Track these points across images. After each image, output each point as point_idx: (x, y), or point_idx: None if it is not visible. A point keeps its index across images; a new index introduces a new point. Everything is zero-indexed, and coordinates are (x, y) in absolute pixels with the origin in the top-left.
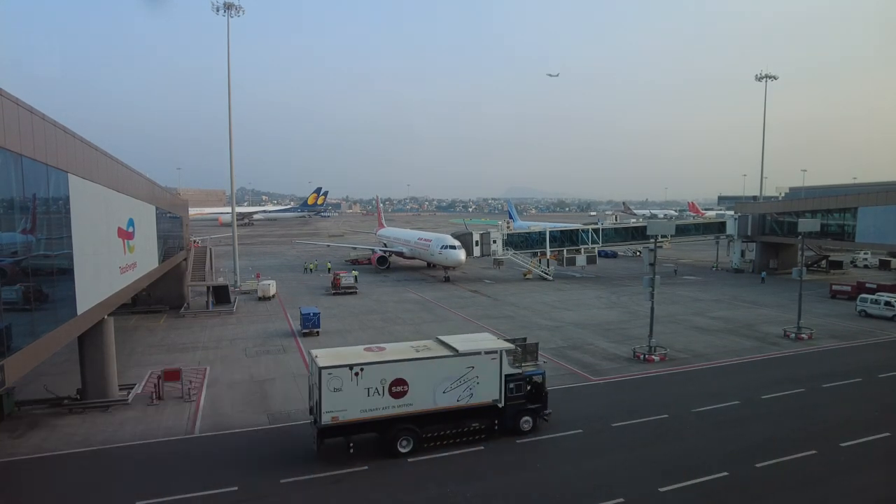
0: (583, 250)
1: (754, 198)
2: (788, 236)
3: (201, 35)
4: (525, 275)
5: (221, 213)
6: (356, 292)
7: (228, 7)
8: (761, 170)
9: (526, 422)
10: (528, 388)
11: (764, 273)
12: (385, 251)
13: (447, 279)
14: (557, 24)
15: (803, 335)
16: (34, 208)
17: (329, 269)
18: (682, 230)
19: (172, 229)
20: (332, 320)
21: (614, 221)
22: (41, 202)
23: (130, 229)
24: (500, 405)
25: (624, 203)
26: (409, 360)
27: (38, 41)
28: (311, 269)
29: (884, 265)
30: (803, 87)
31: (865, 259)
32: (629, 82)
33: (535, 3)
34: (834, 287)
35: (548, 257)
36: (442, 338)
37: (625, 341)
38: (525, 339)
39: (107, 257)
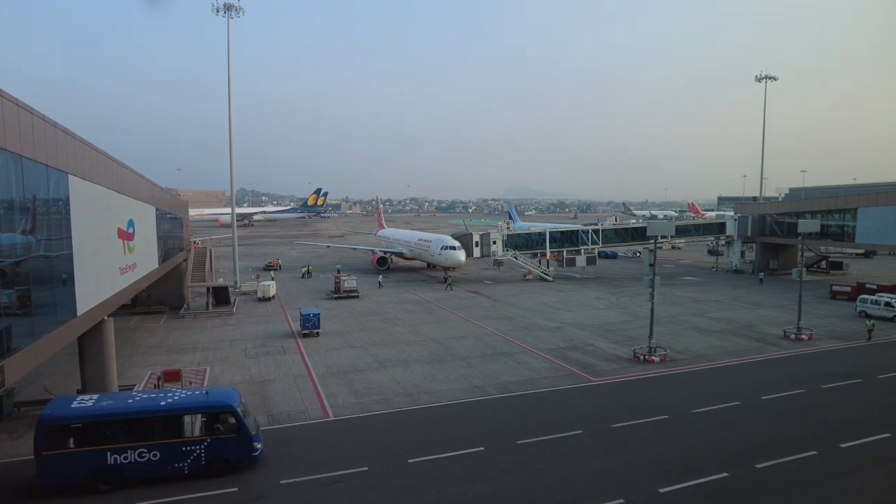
0: (583, 251)
1: (754, 198)
2: (788, 237)
3: (201, 36)
4: (525, 276)
5: (221, 214)
6: (358, 296)
7: (228, 8)
8: (761, 171)
9: None
10: None
11: (762, 274)
12: (385, 252)
13: (447, 280)
14: (557, 24)
15: (803, 336)
16: (34, 209)
17: (339, 268)
18: (682, 231)
19: (172, 230)
20: (332, 321)
21: (614, 222)
22: (41, 203)
23: (130, 230)
24: None
25: (624, 204)
26: None
27: (38, 42)
28: (308, 273)
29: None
30: (804, 87)
31: None
32: (630, 82)
33: (535, 2)
34: (834, 288)
35: (548, 258)
36: None
37: (625, 342)
38: None
39: (107, 258)
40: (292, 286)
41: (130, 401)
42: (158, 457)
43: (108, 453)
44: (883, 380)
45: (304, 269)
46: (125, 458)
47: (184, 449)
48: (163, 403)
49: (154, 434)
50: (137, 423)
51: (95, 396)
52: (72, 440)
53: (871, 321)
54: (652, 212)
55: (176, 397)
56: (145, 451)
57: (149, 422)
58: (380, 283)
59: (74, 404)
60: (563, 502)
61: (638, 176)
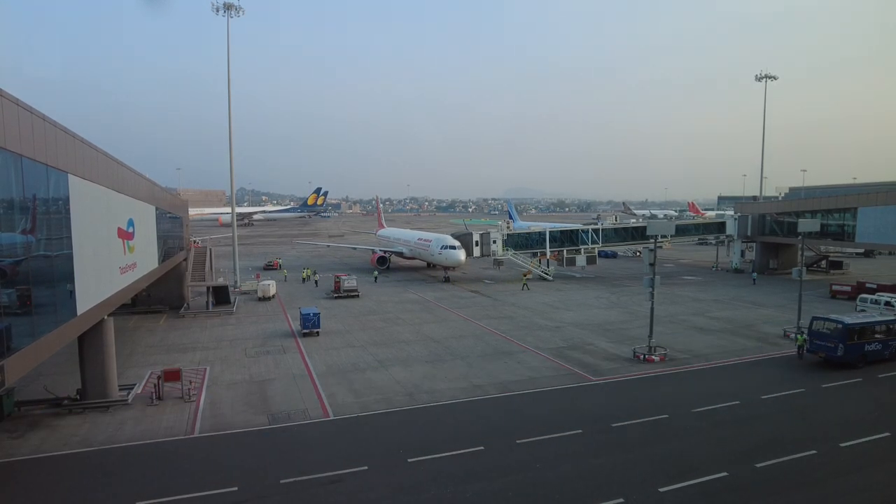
0: (583, 250)
1: (754, 198)
2: (788, 236)
3: (202, 35)
4: (525, 275)
5: (221, 214)
6: (358, 295)
7: (228, 8)
8: (761, 170)
9: None
10: None
11: (755, 274)
12: (385, 251)
13: (447, 279)
14: (557, 24)
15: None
16: (34, 209)
17: (377, 276)
18: (682, 230)
19: (172, 230)
20: (332, 321)
21: (614, 221)
22: (41, 202)
23: (130, 230)
24: None
25: (624, 203)
26: None
27: (38, 42)
28: (307, 278)
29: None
30: (804, 87)
31: None
32: (630, 82)
33: (534, 2)
34: (834, 287)
35: (548, 257)
36: None
37: (625, 341)
38: None
39: (107, 258)
40: (292, 286)
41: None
42: (879, 347)
43: (864, 345)
44: (883, 379)
45: (305, 273)
46: (869, 347)
47: (889, 342)
48: (880, 318)
49: (881, 335)
50: (875, 328)
51: (851, 315)
52: (855, 336)
53: (803, 336)
54: (652, 211)
55: (887, 314)
56: (876, 343)
57: (878, 328)
58: (375, 278)
59: (849, 320)
60: (563, 502)
61: (638, 176)
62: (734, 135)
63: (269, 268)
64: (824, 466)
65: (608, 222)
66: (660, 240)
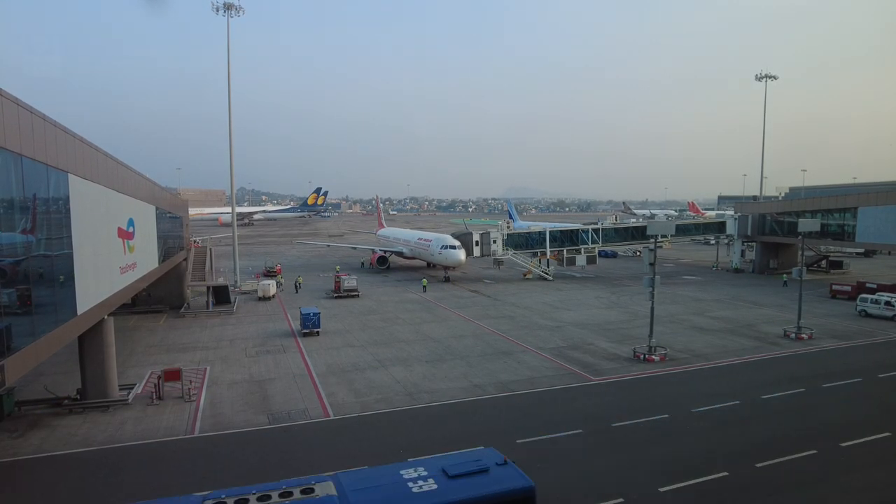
0: (583, 250)
1: (754, 198)
2: (788, 236)
3: (202, 35)
4: (525, 275)
5: (221, 214)
6: (358, 295)
7: (228, 7)
8: (761, 170)
9: None
10: None
11: (785, 276)
12: (385, 251)
13: (447, 279)
14: (557, 23)
15: (803, 335)
16: (34, 208)
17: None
18: (682, 230)
19: (172, 229)
20: (332, 320)
21: (614, 221)
22: (41, 202)
23: (130, 229)
24: None
25: (624, 203)
26: None
27: (38, 41)
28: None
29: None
30: (804, 86)
31: None
32: (629, 82)
33: (535, 1)
34: (834, 287)
35: (548, 257)
36: None
37: (625, 341)
38: None
39: (107, 257)
40: (291, 285)
41: None
42: None
43: None
44: (883, 379)
45: (299, 279)
46: None
47: None
48: None
49: None
50: None
51: None
52: None
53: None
54: (652, 211)
55: None
56: None
57: None
58: (424, 288)
59: None
60: (563, 501)
61: (638, 175)
62: (734, 134)
63: (270, 273)
64: (824, 466)
65: (608, 222)
66: (660, 240)
